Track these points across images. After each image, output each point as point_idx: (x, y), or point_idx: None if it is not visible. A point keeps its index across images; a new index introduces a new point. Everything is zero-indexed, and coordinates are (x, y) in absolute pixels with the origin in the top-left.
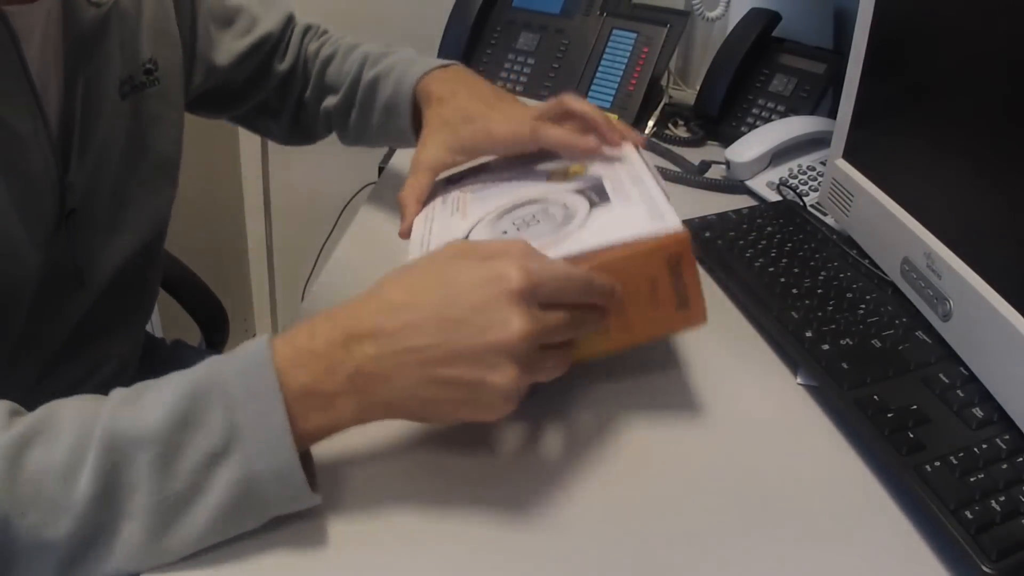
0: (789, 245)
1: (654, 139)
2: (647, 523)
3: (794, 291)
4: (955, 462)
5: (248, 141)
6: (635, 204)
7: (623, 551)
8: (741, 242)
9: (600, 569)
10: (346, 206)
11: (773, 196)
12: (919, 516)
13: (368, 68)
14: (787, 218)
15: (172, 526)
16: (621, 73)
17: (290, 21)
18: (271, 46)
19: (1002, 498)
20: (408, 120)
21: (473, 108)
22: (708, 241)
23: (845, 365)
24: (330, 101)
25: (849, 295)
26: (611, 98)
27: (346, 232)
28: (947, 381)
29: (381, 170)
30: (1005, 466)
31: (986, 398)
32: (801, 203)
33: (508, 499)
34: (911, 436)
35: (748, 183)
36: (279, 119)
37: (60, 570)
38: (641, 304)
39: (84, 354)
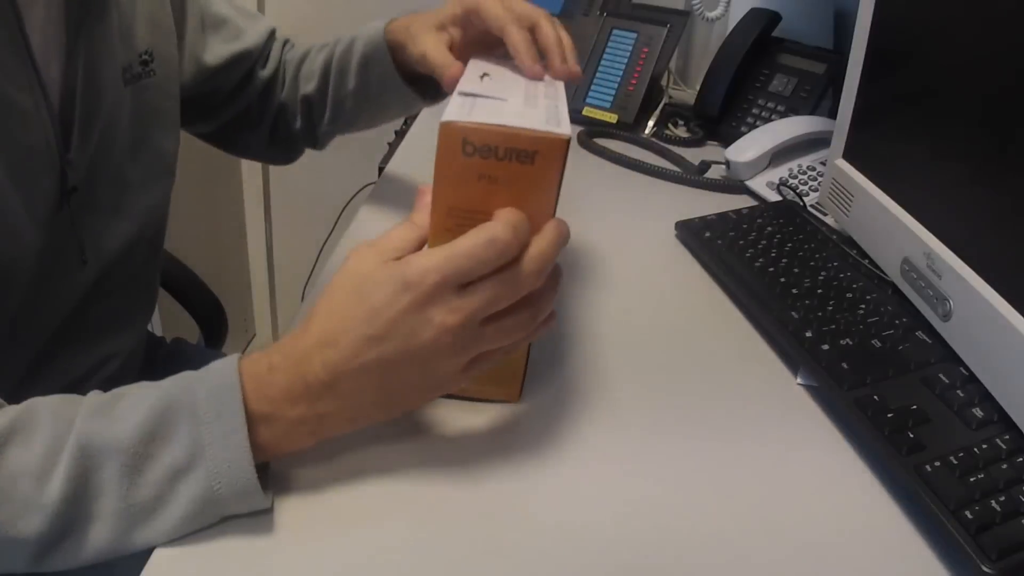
0: (789, 245)
1: (654, 139)
2: (646, 523)
3: (794, 291)
4: (955, 462)
5: None
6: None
7: (622, 551)
8: (741, 242)
9: (600, 569)
10: (346, 206)
11: (773, 196)
12: (919, 516)
13: (338, 45)
14: (787, 218)
15: (137, 528)
16: (621, 73)
17: (272, 34)
18: (255, 56)
19: (1002, 498)
20: (389, 58)
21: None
22: (708, 241)
23: (845, 365)
24: (307, 88)
25: (849, 295)
26: (611, 98)
27: (346, 232)
28: (947, 381)
29: (381, 170)
30: (1005, 466)
31: (986, 398)
32: (801, 203)
33: (524, 503)
34: (911, 436)
35: (748, 183)
36: (257, 131)
37: (32, 561)
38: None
39: (87, 350)
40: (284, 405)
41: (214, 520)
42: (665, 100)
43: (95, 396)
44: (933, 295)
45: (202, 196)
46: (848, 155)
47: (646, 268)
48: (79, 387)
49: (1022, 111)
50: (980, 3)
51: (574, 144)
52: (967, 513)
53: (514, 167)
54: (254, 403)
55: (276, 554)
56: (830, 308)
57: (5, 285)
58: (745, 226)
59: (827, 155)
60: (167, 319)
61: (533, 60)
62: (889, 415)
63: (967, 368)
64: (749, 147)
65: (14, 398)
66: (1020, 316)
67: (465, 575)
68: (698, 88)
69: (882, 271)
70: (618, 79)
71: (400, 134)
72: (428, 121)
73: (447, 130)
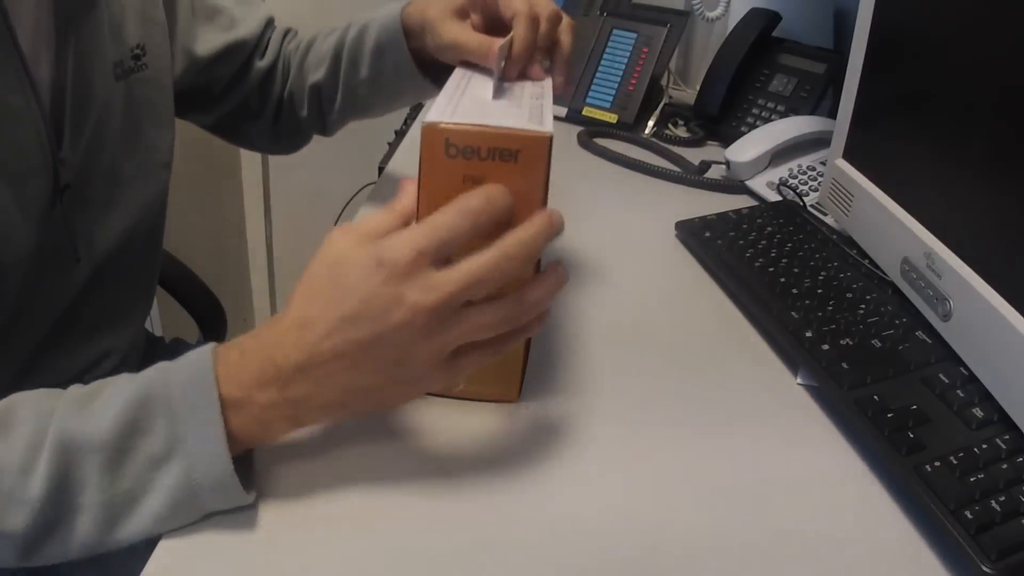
0: (789, 245)
1: (654, 139)
2: (646, 524)
3: (794, 291)
4: (955, 462)
5: None
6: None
7: (622, 551)
8: (741, 242)
9: (600, 569)
10: (346, 206)
11: (773, 196)
12: (919, 516)
13: (349, 31)
14: (787, 218)
15: (121, 520)
16: (621, 73)
17: (270, 23)
18: (252, 46)
19: (1002, 498)
20: (405, 47)
21: None
22: (708, 241)
23: (845, 365)
24: (316, 76)
25: (849, 295)
26: (611, 98)
27: None
28: (947, 381)
29: (381, 170)
30: (1005, 466)
31: (986, 398)
32: (801, 203)
33: (517, 501)
34: (911, 436)
35: (748, 183)
36: (259, 122)
37: (20, 555)
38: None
39: (84, 346)
40: (253, 390)
41: (197, 517)
42: (665, 100)
43: (75, 389)
44: (933, 295)
45: (202, 196)
46: (848, 155)
47: (646, 268)
48: None
49: (1022, 111)
50: (980, 3)
51: (574, 144)
52: (967, 513)
53: (498, 167)
54: (225, 389)
55: (271, 558)
56: (830, 308)
57: None
58: (745, 226)
59: (827, 155)
60: (166, 319)
61: (519, 60)
62: (889, 415)
63: (967, 368)
64: (749, 147)
65: (9, 395)
66: (1020, 316)
67: (465, 575)
68: (698, 88)
69: (882, 271)
70: (618, 79)
71: (400, 134)
72: None
73: (429, 131)
